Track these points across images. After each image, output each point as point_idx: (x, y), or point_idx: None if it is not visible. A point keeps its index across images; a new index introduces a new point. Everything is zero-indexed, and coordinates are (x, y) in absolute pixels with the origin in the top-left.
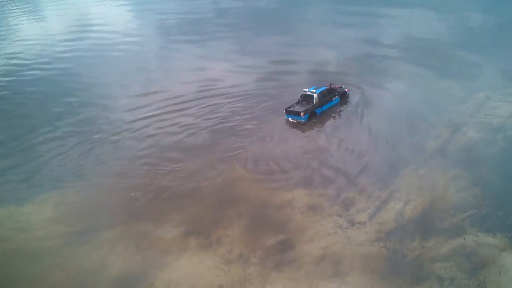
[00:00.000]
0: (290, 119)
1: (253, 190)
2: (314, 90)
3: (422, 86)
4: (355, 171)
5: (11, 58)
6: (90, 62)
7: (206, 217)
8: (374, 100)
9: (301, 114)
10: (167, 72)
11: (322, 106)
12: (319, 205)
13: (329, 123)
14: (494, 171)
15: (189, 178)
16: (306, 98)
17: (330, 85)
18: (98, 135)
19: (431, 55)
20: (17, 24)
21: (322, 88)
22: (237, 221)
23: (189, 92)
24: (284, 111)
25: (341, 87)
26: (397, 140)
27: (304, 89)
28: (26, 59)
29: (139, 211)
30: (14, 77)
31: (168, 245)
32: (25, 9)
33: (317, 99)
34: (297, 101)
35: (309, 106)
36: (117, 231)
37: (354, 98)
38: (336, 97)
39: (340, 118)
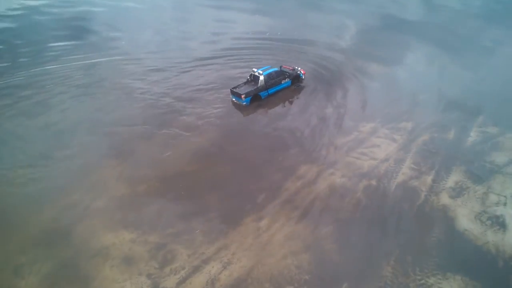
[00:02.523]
0: (234, 99)
1: (82, 224)
2: (261, 72)
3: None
4: (211, 214)
5: None
6: None
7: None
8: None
9: (242, 96)
10: None
11: (268, 89)
12: (138, 257)
13: (261, 117)
14: (331, 234)
15: None
16: (255, 78)
17: (281, 66)
18: None
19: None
20: None
21: (271, 70)
22: (39, 267)
23: None
24: (230, 91)
25: (294, 69)
26: (260, 173)
27: (253, 69)
28: None
29: None
30: None
31: None
32: None
33: (263, 82)
34: (246, 80)
35: (253, 89)
36: None
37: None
38: (287, 80)
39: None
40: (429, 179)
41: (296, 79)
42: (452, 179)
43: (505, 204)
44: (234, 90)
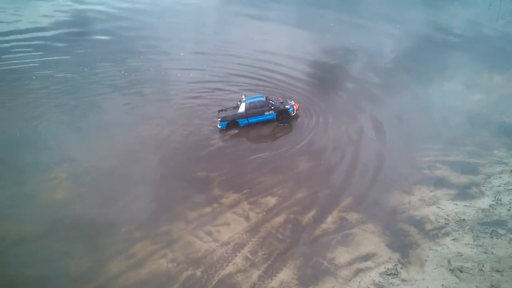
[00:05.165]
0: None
1: None
2: (245, 99)
3: None
4: None
5: None
6: None
7: None
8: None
9: (218, 120)
10: None
11: (249, 117)
12: None
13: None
14: None
15: None
16: (240, 104)
17: (266, 97)
18: None
19: None
20: None
21: (257, 99)
22: None
23: None
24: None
25: (282, 102)
26: (88, 248)
27: (243, 95)
28: None
29: None
30: None
31: None
32: None
33: (243, 109)
34: (236, 105)
35: (232, 114)
36: None
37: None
38: (271, 112)
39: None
40: (256, 274)
41: (283, 113)
42: (280, 278)
43: None
44: (220, 111)
